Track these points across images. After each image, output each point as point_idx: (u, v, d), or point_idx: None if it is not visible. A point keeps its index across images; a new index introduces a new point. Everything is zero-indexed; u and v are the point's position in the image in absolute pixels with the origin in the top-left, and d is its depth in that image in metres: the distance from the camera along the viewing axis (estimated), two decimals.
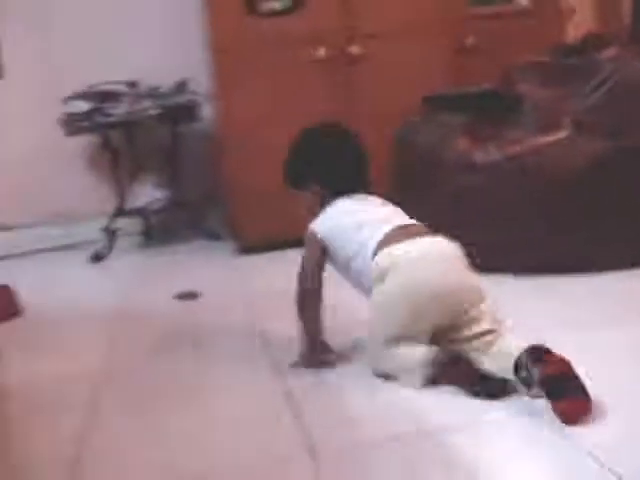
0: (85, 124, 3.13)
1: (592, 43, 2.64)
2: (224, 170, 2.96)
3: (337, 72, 2.86)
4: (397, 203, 1.76)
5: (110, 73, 3.24)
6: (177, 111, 3.17)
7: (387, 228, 1.61)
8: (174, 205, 3.32)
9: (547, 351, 1.36)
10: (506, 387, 1.42)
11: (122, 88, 3.22)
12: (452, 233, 2.28)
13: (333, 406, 1.48)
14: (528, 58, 2.63)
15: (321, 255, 1.68)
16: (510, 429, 1.31)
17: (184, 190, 3.34)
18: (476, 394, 1.43)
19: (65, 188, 3.44)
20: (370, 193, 1.75)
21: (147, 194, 3.28)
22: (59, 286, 2.81)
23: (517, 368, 1.38)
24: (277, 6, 2.79)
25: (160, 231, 3.49)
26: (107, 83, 3.20)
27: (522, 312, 1.77)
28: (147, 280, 2.76)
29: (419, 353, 1.51)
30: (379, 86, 2.88)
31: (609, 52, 2.54)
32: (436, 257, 1.59)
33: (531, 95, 2.47)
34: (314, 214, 1.72)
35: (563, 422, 1.28)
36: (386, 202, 1.74)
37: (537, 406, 1.34)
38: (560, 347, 1.36)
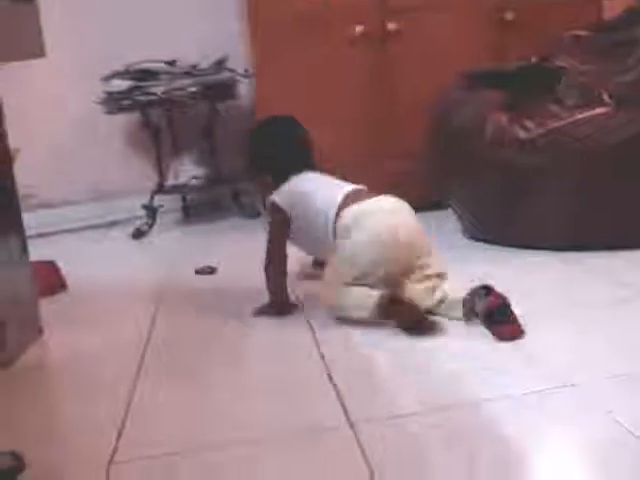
0: (125, 102, 3.17)
1: (632, 17, 2.60)
2: None
3: (374, 49, 2.86)
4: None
5: (149, 52, 3.28)
6: (216, 89, 3.19)
7: (344, 191, 1.87)
8: (213, 182, 3.36)
9: (488, 288, 1.65)
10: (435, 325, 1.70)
11: (161, 66, 3.26)
12: (491, 207, 2.31)
13: (367, 372, 1.54)
14: (568, 33, 2.60)
15: (284, 222, 1.92)
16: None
17: (223, 167, 3.37)
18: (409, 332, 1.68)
19: (107, 166, 3.51)
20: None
21: (186, 171, 3.31)
22: (102, 261, 2.87)
23: (464, 303, 1.68)
24: None
25: (199, 208, 3.54)
26: (146, 61, 3.25)
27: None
28: (187, 255, 2.80)
29: (373, 292, 1.74)
30: (417, 62, 2.87)
31: None
32: (392, 210, 1.84)
33: (571, 70, 2.44)
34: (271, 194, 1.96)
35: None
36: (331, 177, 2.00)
37: None
38: None
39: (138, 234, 3.19)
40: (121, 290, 2.41)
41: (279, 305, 1.94)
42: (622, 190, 2.13)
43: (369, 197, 1.86)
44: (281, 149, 2.03)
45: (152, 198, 3.30)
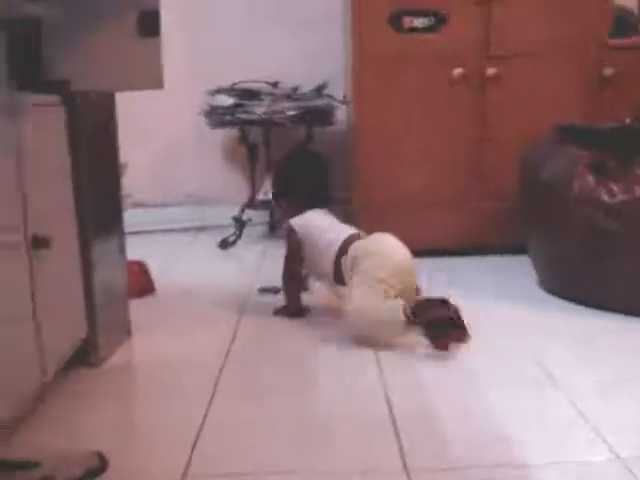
0: (227, 118, 3.32)
1: None
2: (353, 176, 3.08)
3: (472, 92, 2.92)
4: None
5: (254, 71, 3.44)
6: (313, 114, 3.31)
7: (348, 232, 2.21)
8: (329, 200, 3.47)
9: (443, 301, 1.94)
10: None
11: (264, 87, 3.40)
12: (569, 263, 2.34)
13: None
14: None
15: (300, 244, 2.25)
16: None
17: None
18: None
19: (203, 175, 3.68)
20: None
21: None
22: (189, 267, 3.03)
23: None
24: (419, 24, 2.88)
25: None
26: (251, 81, 3.40)
27: None
28: (270, 269, 2.90)
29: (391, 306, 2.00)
30: (512, 109, 2.92)
31: None
32: (394, 244, 2.14)
33: None
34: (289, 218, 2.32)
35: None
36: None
37: None
38: None
39: (225, 245, 3.34)
40: (207, 298, 2.54)
41: (293, 309, 2.30)
42: None
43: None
44: (300, 184, 2.38)
45: (242, 211, 3.44)
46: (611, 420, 1.57)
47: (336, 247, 2.18)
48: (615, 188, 2.19)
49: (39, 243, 1.51)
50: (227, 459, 1.45)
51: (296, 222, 2.29)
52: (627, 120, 2.53)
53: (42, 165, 1.59)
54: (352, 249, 2.14)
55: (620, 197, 2.16)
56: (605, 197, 2.19)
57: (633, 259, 2.17)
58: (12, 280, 1.44)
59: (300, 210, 2.31)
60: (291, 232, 2.29)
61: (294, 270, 2.32)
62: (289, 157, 2.57)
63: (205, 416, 1.62)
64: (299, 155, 2.56)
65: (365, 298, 2.03)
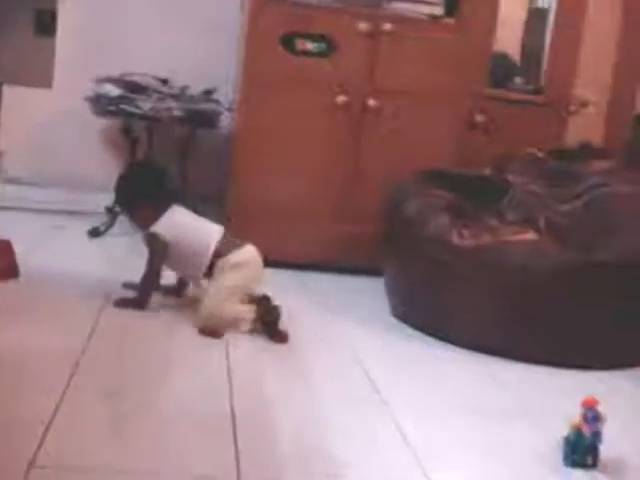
0: (111, 108, 3.33)
1: (588, 152, 2.87)
2: (232, 180, 3.18)
3: (351, 121, 3.09)
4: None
5: (145, 65, 3.47)
6: (199, 116, 3.38)
7: (217, 233, 2.47)
8: (177, 200, 3.53)
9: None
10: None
11: (153, 82, 3.44)
12: (417, 295, 2.54)
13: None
14: (526, 151, 2.86)
15: (164, 250, 2.44)
16: None
17: (189, 188, 3.55)
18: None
19: (82, 161, 3.67)
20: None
21: None
22: (57, 252, 3.03)
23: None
24: (312, 48, 3.02)
25: None
26: (141, 74, 3.43)
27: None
28: (136, 263, 2.94)
29: (248, 309, 2.37)
30: (388, 141, 3.11)
31: (599, 165, 2.77)
32: (257, 259, 2.48)
33: (519, 187, 2.70)
34: (147, 226, 2.47)
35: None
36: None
37: None
38: None
39: (95, 233, 3.35)
40: (70, 287, 2.56)
41: (143, 302, 2.46)
42: (537, 318, 2.38)
43: (242, 244, 2.48)
44: (147, 193, 2.54)
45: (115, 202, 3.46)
46: (429, 445, 1.75)
47: (211, 249, 2.43)
48: (465, 232, 2.40)
49: None
50: (74, 453, 1.51)
51: (162, 225, 2.46)
52: (487, 170, 2.75)
53: None
54: (227, 257, 2.43)
55: (468, 242, 2.37)
56: (455, 239, 2.39)
57: (471, 299, 2.39)
58: None
59: (154, 215, 2.48)
60: (153, 237, 2.46)
61: (156, 273, 2.50)
62: (130, 170, 2.77)
63: (56, 409, 1.68)
64: (139, 167, 2.79)
65: (226, 298, 2.38)
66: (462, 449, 1.76)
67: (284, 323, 2.36)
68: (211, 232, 2.49)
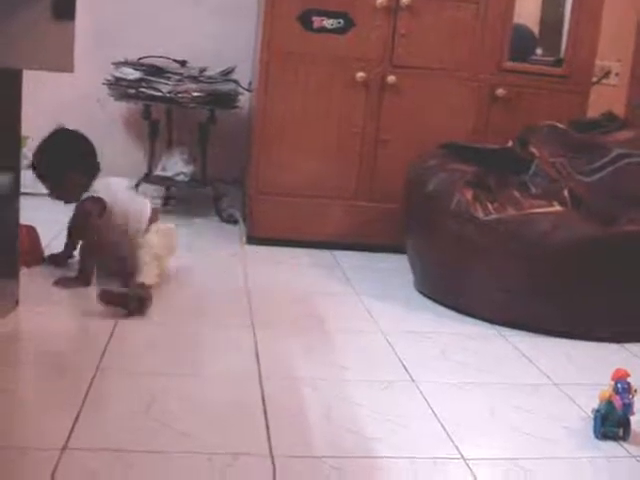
0: (131, 91, 3.34)
1: (610, 122, 2.82)
2: (252, 160, 3.18)
3: (370, 97, 3.07)
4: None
5: (164, 47, 3.47)
6: (218, 97, 3.38)
7: (147, 204, 2.57)
8: (197, 182, 3.55)
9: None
10: None
11: (172, 64, 3.44)
12: (440, 269, 2.53)
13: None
14: (547, 123, 2.82)
15: (101, 213, 2.44)
16: None
17: (209, 170, 3.56)
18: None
19: (101, 145, 3.66)
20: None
21: (175, 166, 3.50)
22: None
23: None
24: (329, 25, 3.00)
25: (180, 202, 3.73)
26: (159, 56, 3.43)
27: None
28: None
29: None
30: (407, 118, 3.09)
31: (623, 135, 2.72)
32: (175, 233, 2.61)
33: (541, 159, 2.67)
34: (77, 195, 2.47)
35: None
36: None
37: None
38: None
39: None
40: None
41: (88, 278, 2.42)
42: (562, 287, 2.35)
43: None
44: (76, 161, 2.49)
45: (137, 185, 3.47)
46: (458, 419, 1.75)
47: (148, 214, 2.55)
48: (490, 206, 2.38)
49: None
50: (106, 435, 1.53)
51: (96, 191, 2.47)
52: (510, 143, 2.73)
53: None
54: (156, 223, 2.56)
55: (493, 215, 2.36)
56: (479, 213, 2.37)
57: (496, 272, 2.38)
58: None
59: (85, 184, 2.48)
60: (94, 201, 2.45)
61: (94, 242, 2.47)
62: (53, 137, 2.53)
63: (88, 391, 1.70)
64: (62, 135, 2.55)
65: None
66: (491, 423, 1.76)
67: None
68: (144, 200, 2.61)
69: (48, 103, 3.52)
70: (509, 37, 3.15)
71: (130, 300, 2.20)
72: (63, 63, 1.78)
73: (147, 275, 2.35)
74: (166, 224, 2.61)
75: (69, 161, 2.47)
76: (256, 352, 2.03)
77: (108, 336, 2.03)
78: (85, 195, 2.46)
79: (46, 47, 1.75)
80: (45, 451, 1.43)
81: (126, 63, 3.38)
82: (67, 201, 2.53)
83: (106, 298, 2.18)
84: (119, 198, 2.51)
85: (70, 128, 2.55)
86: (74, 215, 2.54)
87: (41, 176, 2.48)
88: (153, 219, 2.55)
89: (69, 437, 1.49)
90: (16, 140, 2.07)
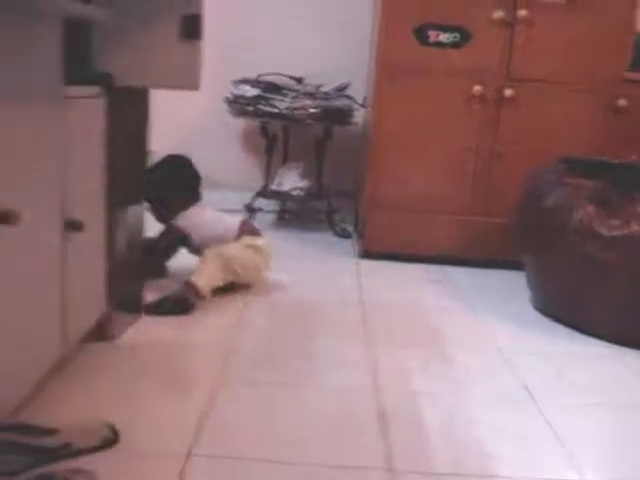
0: (249, 108, 3.43)
1: None
2: (366, 175, 3.20)
3: (487, 111, 3.04)
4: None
5: (280, 65, 3.55)
6: (333, 113, 3.43)
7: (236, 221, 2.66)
8: (312, 196, 3.60)
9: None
10: None
11: (289, 82, 3.51)
12: (561, 287, 2.46)
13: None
14: None
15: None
16: None
17: (324, 185, 3.61)
18: None
19: (220, 161, 3.79)
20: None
21: (291, 181, 3.56)
22: None
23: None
24: (444, 39, 2.99)
25: (294, 216, 3.79)
26: (276, 74, 3.51)
27: None
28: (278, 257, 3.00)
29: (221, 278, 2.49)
30: (524, 132, 3.04)
31: None
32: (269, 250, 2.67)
33: None
34: (167, 219, 2.63)
35: None
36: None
37: None
38: None
39: None
40: None
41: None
42: None
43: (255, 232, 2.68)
44: (179, 185, 2.66)
45: (254, 199, 3.56)
46: (580, 440, 1.70)
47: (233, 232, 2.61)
48: (613, 222, 2.31)
49: (73, 226, 1.63)
50: (231, 443, 1.57)
51: (183, 220, 2.61)
52: (634, 157, 2.64)
53: (80, 153, 1.71)
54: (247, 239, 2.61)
55: (617, 232, 2.28)
56: (603, 230, 2.30)
57: (619, 290, 2.30)
58: (45, 259, 1.56)
59: (182, 207, 2.61)
60: (175, 227, 2.61)
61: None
62: (161, 165, 2.69)
63: (211, 400, 1.75)
64: (169, 162, 2.71)
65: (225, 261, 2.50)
66: (614, 444, 1.71)
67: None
68: (232, 219, 2.66)
69: (171, 119, 3.66)
70: (630, 46, 3.06)
71: (162, 302, 2.32)
72: (190, 82, 1.85)
73: (200, 276, 2.41)
74: (259, 238, 2.65)
75: (175, 185, 2.65)
76: (372, 365, 2.04)
77: (228, 346, 2.09)
78: (177, 218, 2.61)
79: (173, 66, 1.83)
80: (171, 457, 1.49)
81: (245, 81, 3.48)
82: (162, 220, 2.67)
83: (146, 310, 2.29)
84: (198, 225, 2.61)
85: (182, 154, 2.73)
86: (164, 232, 2.66)
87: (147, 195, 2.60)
88: (243, 231, 2.61)
89: (193, 444, 1.54)
90: (143, 156, 2.16)
